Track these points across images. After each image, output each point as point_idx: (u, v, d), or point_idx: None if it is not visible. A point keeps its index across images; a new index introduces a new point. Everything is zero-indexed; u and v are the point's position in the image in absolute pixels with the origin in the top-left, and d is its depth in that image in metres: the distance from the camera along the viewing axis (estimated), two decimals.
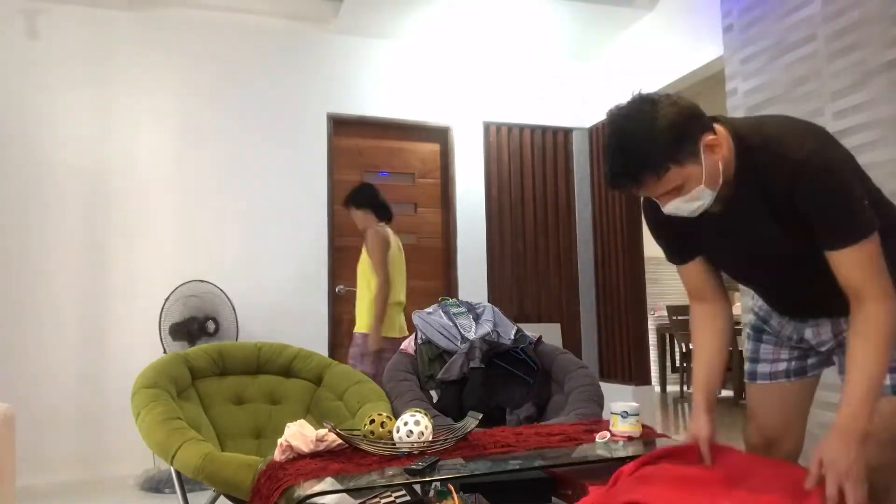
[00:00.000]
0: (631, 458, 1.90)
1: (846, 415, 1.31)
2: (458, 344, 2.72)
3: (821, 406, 2.93)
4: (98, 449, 3.81)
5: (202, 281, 3.84)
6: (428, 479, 1.59)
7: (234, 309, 3.87)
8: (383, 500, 1.60)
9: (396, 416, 2.44)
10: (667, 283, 9.17)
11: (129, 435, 3.85)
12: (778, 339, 1.74)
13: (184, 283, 3.78)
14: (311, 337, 4.26)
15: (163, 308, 3.68)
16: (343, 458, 1.75)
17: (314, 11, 4.43)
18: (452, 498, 1.58)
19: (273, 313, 4.21)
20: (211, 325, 3.70)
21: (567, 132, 5.04)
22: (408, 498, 1.62)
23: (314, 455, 1.78)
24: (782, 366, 1.73)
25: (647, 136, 1.31)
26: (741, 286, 3.37)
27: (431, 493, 1.65)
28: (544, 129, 4.98)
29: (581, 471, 1.78)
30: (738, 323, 6.21)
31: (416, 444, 1.79)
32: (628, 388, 4.61)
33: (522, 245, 4.84)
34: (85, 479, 3.75)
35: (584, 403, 2.53)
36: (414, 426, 1.81)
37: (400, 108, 4.63)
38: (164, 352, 3.66)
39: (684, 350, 7.03)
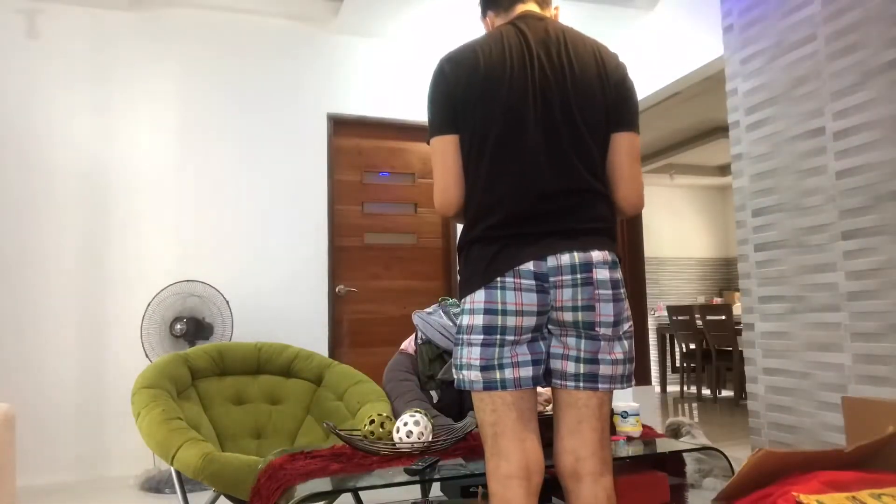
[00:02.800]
0: (631, 459, 1.90)
1: None
2: None
3: (822, 407, 2.93)
4: (98, 449, 3.81)
5: (196, 281, 3.84)
6: (428, 479, 1.59)
7: (230, 310, 3.87)
8: None
9: (396, 416, 2.44)
10: (667, 283, 9.18)
11: (129, 435, 3.85)
12: None
13: (174, 283, 3.77)
14: (312, 337, 4.26)
15: (146, 308, 3.66)
16: (343, 459, 1.75)
17: (314, 11, 4.43)
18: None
19: (273, 313, 4.21)
20: (210, 326, 3.70)
21: None
22: None
23: (314, 455, 1.79)
24: None
25: None
26: (742, 286, 3.38)
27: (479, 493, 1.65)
28: None
29: None
30: (738, 323, 6.21)
31: (416, 445, 1.79)
32: (628, 389, 4.60)
33: None
34: (85, 479, 3.75)
35: None
36: (414, 426, 1.81)
37: (400, 108, 4.63)
38: (146, 355, 3.65)
39: (684, 350, 7.04)
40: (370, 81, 4.58)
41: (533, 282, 1.42)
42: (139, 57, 4.10)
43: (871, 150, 2.71)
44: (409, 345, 2.82)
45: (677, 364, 7.51)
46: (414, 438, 1.80)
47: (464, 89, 1.48)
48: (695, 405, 6.26)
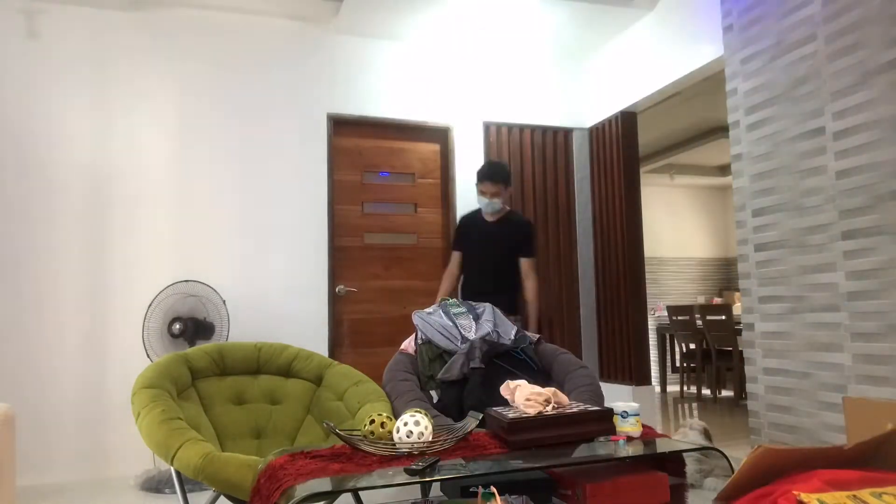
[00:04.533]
0: (631, 459, 1.90)
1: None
2: (459, 344, 2.72)
3: (822, 407, 2.93)
4: (98, 449, 3.81)
5: (194, 281, 3.84)
6: (428, 479, 1.59)
7: (227, 309, 3.87)
8: None
9: (396, 416, 2.44)
10: (667, 283, 9.18)
11: (129, 435, 3.85)
12: None
13: (174, 283, 3.77)
14: (312, 337, 4.26)
15: (147, 310, 3.66)
16: (343, 459, 1.74)
17: (314, 11, 4.43)
18: (496, 499, 1.60)
19: (273, 313, 4.21)
20: (211, 325, 3.70)
21: (567, 132, 5.04)
22: None
23: (314, 455, 1.78)
24: None
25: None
26: (742, 286, 3.38)
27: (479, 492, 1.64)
28: (544, 129, 4.98)
29: (581, 471, 1.78)
30: (738, 323, 6.21)
31: (416, 445, 1.79)
32: (628, 388, 4.61)
33: None
34: (85, 479, 3.75)
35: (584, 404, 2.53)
36: (414, 426, 1.81)
37: (400, 108, 4.64)
38: (147, 356, 3.66)
39: (684, 350, 7.04)
40: (370, 81, 4.58)
41: None
42: (139, 57, 4.10)
43: (871, 150, 2.71)
44: (409, 345, 2.83)
45: (677, 364, 7.51)
46: (414, 438, 1.80)
47: None
48: (695, 405, 6.26)
